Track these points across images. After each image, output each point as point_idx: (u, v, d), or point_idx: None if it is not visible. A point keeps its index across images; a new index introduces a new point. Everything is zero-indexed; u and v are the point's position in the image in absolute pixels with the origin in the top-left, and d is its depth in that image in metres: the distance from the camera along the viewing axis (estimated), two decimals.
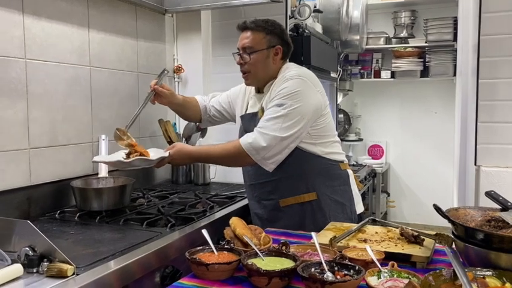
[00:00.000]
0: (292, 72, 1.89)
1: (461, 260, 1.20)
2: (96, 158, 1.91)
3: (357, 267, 1.19)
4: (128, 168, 1.85)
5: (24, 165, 1.88)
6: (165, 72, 2.11)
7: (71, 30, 2.10)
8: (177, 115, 2.88)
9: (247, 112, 2.03)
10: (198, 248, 1.37)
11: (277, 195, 1.95)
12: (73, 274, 1.24)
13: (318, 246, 1.31)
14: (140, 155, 1.81)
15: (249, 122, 1.97)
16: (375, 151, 5.29)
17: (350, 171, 2.08)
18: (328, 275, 1.16)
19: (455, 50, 4.10)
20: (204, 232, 1.41)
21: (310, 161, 1.90)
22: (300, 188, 1.92)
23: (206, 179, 2.71)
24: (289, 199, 1.93)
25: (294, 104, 1.81)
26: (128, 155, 1.82)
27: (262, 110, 1.91)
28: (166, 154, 1.83)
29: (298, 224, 1.83)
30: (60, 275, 1.22)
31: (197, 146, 1.94)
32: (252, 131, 1.91)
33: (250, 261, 1.24)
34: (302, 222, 1.88)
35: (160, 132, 2.65)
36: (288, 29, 2.68)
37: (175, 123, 2.83)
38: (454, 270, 1.10)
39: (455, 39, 4.34)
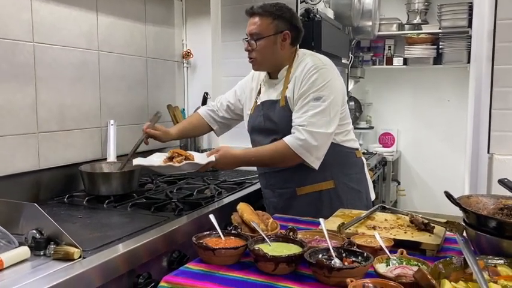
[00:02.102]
0: (316, 62, 1.84)
1: (472, 248, 1.18)
2: (137, 161, 1.82)
3: (365, 254, 1.17)
4: (175, 172, 1.82)
5: (33, 149, 1.89)
6: (158, 115, 2.08)
7: (79, 14, 2.08)
8: (185, 101, 2.88)
9: (261, 99, 1.97)
10: (205, 233, 1.37)
11: (293, 184, 1.92)
12: (79, 257, 1.24)
13: (325, 232, 1.30)
14: (185, 159, 1.76)
15: (269, 109, 1.92)
16: (386, 139, 5.24)
17: (364, 159, 2.07)
18: (336, 262, 1.15)
19: (470, 37, 4.01)
20: (211, 217, 1.41)
21: (329, 149, 1.86)
22: (317, 176, 1.89)
23: None
24: (306, 187, 1.91)
25: (330, 95, 1.77)
26: (171, 158, 1.78)
27: (285, 100, 1.86)
28: (213, 159, 1.77)
29: (315, 213, 1.79)
30: (67, 258, 1.22)
31: (243, 150, 1.87)
32: (273, 118, 1.88)
33: (257, 247, 1.23)
34: (319, 210, 1.84)
35: (169, 117, 2.64)
36: (299, 14, 2.64)
37: (183, 109, 2.82)
38: (464, 259, 1.08)
39: (470, 25, 4.24)
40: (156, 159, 1.82)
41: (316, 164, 1.79)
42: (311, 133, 1.74)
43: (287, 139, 1.77)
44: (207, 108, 2.21)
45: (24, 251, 1.23)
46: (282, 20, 1.87)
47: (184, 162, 1.74)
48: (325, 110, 1.76)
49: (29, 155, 1.87)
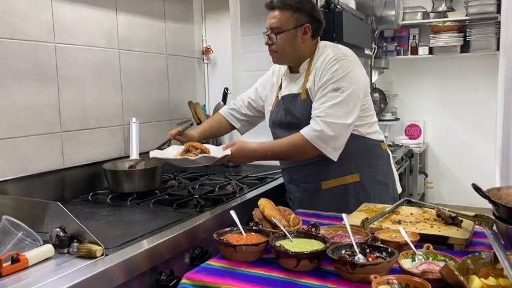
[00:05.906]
0: (337, 52, 1.81)
1: (502, 242, 1.13)
2: (153, 154, 1.84)
3: (389, 250, 1.14)
4: (191, 165, 1.83)
5: (56, 149, 1.92)
6: (190, 123, 2.09)
7: (98, 13, 2.10)
8: (206, 97, 2.88)
9: (282, 94, 1.94)
10: (227, 229, 1.36)
11: (318, 178, 1.89)
12: (102, 255, 1.25)
13: (349, 227, 1.27)
14: (201, 152, 1.77)
15: (290, 103, 1.89)
16: (412, 131, 5.13)
17: (389, 151, 2.03)
18: (359, 257, 1.12)
19: (499, 23, 3.88)
20: (232, 213, 1.40)
21: (353, 142, 1.83)
22: (342, 170, 1.86)
23: None
24: (331, 181, 1.87)
25: (350, 86, 1.74)
26: (187, 151, 1.79)
27: (306, 92, 1.84)
28: (229, 153, 1.77)
29: (341, 207, 1.75)
30: (90, 256, 1.23)
31: (259, 143, 1.85)
32: (294, 112, 1.86)
33: (278, 243, 1.21)
34: (345, 204, 1.81)
35: (190, 114, 2.64)
36: (319, 5, 2.59)
37: (204, 105, 2.82)
38: (494, 253, 1.04)
39: (498, 11, 4.09)
40: (172, 152, 1.84)
41: (333, 155, 1.76)
42: (328, 124, 1.71)
43: (303, 131, 1.74)
44: (228, 108, 2.18)
45: (48, 249, 1.25)
46: (303, 13, 1.83)
47: (200, 155, 1.74)
48: (343, 100, 1.72)
49: (53, 154, 1.90)
